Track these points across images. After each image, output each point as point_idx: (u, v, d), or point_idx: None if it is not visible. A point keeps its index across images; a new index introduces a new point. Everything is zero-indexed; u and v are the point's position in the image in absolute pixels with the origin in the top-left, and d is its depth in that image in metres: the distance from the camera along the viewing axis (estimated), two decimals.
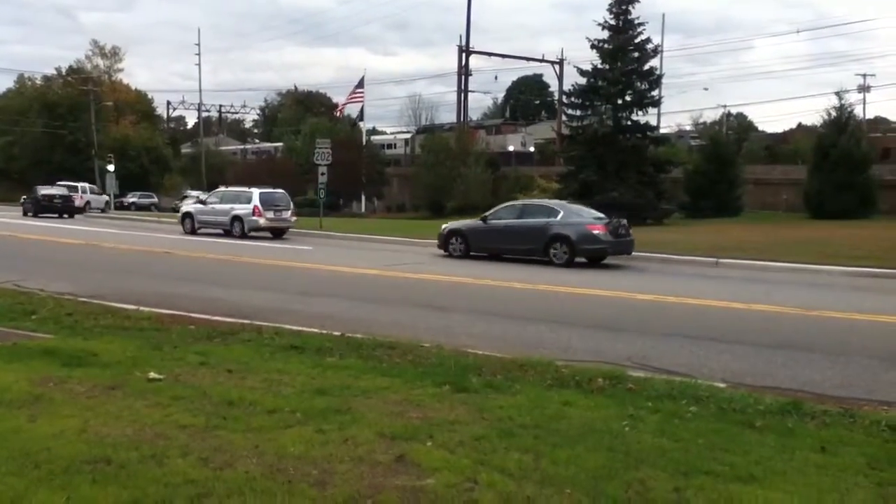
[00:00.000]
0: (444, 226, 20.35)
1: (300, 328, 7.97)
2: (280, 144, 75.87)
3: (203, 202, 28.37)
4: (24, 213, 37.26)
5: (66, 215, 36.89)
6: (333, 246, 22.14)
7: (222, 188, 30.26)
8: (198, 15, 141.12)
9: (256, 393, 5.26)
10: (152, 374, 5.66)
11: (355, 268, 15.24)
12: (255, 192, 25.74)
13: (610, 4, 37.12)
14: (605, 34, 37.24)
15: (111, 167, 51.02)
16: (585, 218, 18.34)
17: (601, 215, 18.72)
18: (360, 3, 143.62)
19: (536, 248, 17.99)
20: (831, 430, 4.87)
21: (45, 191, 38.93)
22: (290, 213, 26.21)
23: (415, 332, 8.08)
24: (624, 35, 36.99)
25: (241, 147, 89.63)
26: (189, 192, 65.34)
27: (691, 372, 6.56)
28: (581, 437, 4.47)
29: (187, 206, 29.97)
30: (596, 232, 17.63)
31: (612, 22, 37.20)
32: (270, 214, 25.22)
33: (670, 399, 5.45)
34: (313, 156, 31.66)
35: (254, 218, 24.92)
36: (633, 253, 18.06)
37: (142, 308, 9.00)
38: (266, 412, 4.82)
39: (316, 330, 7.86)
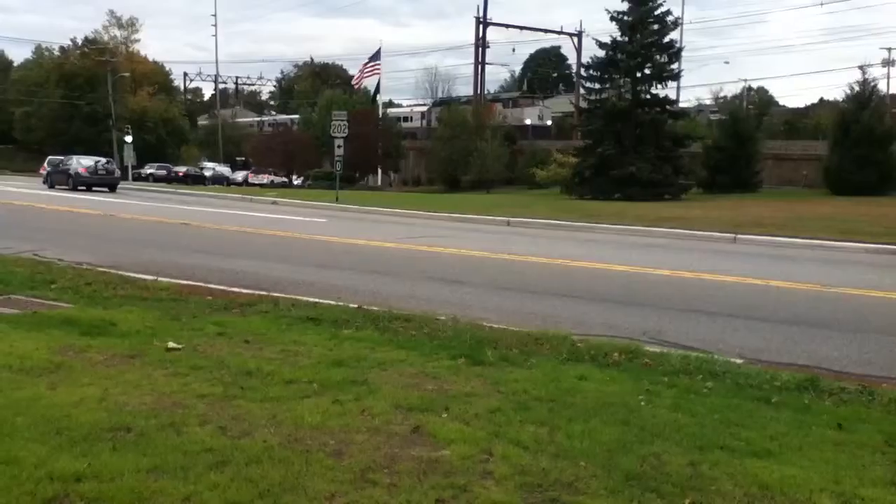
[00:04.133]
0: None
1: (317, 300, 8.00)
2: (297, 117, 75.82)
3: None
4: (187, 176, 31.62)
5: None
6: (349, 219, 22.17)
7: None
8: None
9: (274, 364, 5.30)
10: (171, 344, 5.72)
11: (371, 240, 15.27)
12: None
13: None
14: (624, 6, 36.77)
15: (129, 139, 51.22)
16: (81, 164, 34.33)
17: (92, 162, 34.89)
18: None
19: (67, 181, 33.83)
20: (849, 407, 4.85)
21: None
22: None
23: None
24: (644, 7, 36.50)
25: (258, 119, 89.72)
26: (206, 163, 65.70)
27: (707, 347, 6.54)
28: (596, 411, 4.48)
29: None
30: (81, 172, 33.70)
31: None
32: None
33: (686, 374, 5.45)
34: (330, 128, 31.62)
35: None
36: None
37: (160, 278, 9.07)
38: (283, 383, 4.85)
39: (332, 302, 7.89)
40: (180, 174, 56.07)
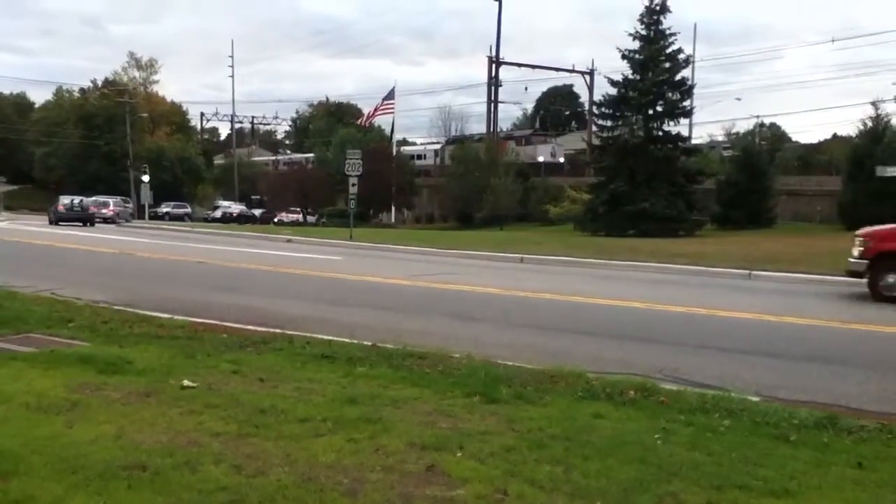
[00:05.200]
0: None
1: (331, 337, 8.01)
2: (311, 155, 76.57)
3: None
4: None
5: None
6: (363, 256, 22.25)
7: None
8: (222, 26, 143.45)
9: (288, 401, 5.30)
10: (186, 382, 5.74)
11: (385, 277, 15.30)
12: None
13: (641, 15, 37.08)
14: (635, 44, 37.16)
15: (146, 178, 51.84)
16: (61, 203, 40.10)
17: (69, 200, 40.72)
18: (383, 16, 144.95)
19: (53, 217, 39.64)
20: (869, 446, 4.79)
21: None
22: None
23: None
24: (655, 45, 36.89)
25: (273, 158, 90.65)
26: (221, 202, 66.31)
27: (724, 385, 6.48)
28: (612, 450, 4.44)
29: None
30: (60, 209, 39.41)
31: (643, 32, 37.12)
32: None
33: (703, 412, 5.39)
34: (344, 166, 31.86)
35: None
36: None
37: (175, 316, 9.12)
38: (297, 421, 4.85)
39: (346, 339, 7.90)
40: (234, 215, 57.47)
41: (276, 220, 56.65)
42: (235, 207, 62.20)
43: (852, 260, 13.90)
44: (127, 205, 51.14)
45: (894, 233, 13.89)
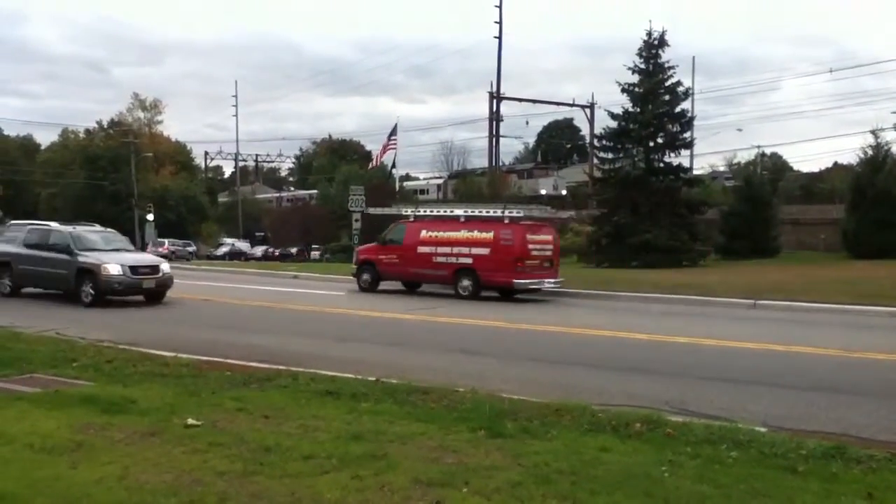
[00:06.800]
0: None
1: (335, 373, 8.00)
2: (315, 192, 76.95)
3: None
4: None
5: None
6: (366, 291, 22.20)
7: None
8: (223, 69, 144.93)
9: (293, 439, 5.28)
10: (190, 421, 5.72)
11: (389, 312, 15.29)
12: None
13: (639, 49, 37.37)
14: (635, 78, 37.43)
15: (150, 217, 52.13)
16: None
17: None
18: (383, 55, 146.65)
19: None
20: (878, 476, 4.74)
21: None
22: None
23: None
24: (654, 78, 37.13)
25: (277, 195, 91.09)
26: (225, 239, 66.52)
27: (730, 416, 6.45)
28: (619, 484, 4.41)
29: None
30: None
31: (642, 66, 37.40)
32: None
33: (710, 444, 5.36)
34: (347, 202, 31.99)
35: None
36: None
37: (180, 354, 9.11)
38: (302, 458, 4.83)
39: (350, 375, 7.88)
40: (276, 254, 58.51)
41: (262, 255, 57.49)
42: (240, 244, 62.63)
43: (353, 266, 22.26)
44: (188, 247, 54.79)
45: (368, 249, 22.02)
